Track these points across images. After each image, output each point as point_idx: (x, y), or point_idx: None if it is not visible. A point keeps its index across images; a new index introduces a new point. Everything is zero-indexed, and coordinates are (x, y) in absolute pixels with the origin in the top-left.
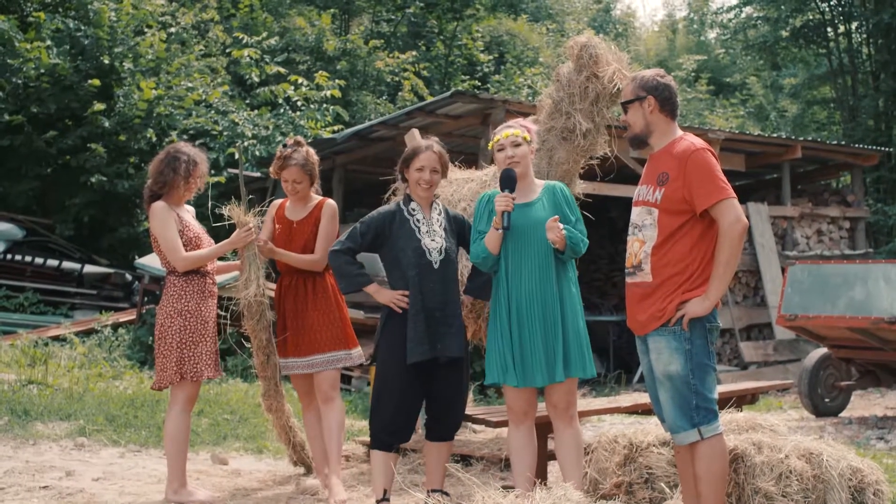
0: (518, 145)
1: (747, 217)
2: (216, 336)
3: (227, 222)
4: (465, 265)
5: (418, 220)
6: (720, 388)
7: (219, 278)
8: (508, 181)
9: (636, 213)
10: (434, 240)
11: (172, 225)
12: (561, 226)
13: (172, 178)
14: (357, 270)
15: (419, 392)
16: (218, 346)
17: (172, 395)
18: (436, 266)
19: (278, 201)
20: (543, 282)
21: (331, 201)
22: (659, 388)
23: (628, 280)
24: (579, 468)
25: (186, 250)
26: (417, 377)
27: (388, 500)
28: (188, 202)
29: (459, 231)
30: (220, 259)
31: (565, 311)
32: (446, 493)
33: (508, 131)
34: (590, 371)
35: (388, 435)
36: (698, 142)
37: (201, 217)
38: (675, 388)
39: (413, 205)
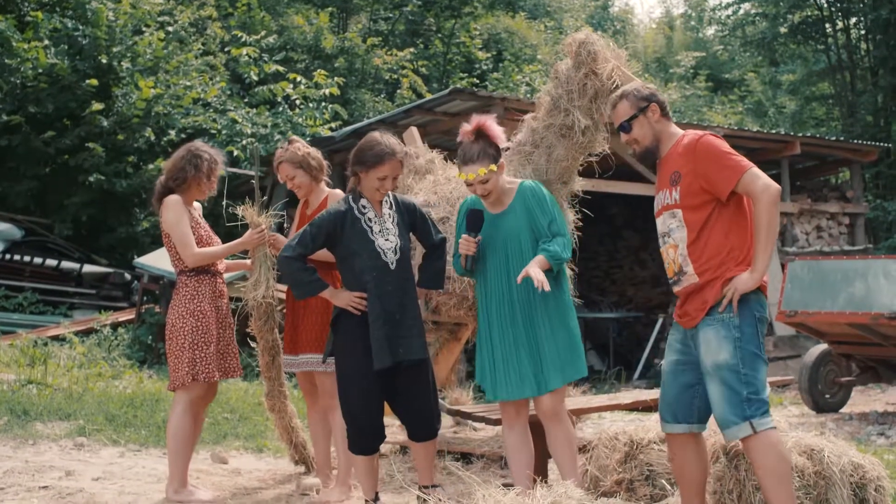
0: (485, 181)
1: None
2: (233, 335)
3: (229, 222)
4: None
5: (370, 219)
6: None
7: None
8: (475, 222)
9: (660, 222)
10: (388, 239)
11: (185, 220)
12: (533, 270)
13: (194, 176)
14: (310, 277)
15: (382, 391)
16: (236, 344)
17: (177, 395)
18: (392, 267)
19: None
20: (521, 294)
21: (336, 191)
22: (708, 382)
23: (675, 289)
24: (574, 464)
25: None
26: (380, 378)
27: (378, 499)
28: (198, 201)
29: (411, 222)
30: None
31: (541, 324)
32: (438, 486)
33: (473, 173)
34: (569, 376)
35: (368, 438)
36: (695, 131)
37: (212, 215)
38: (724, 379)
39: (363, 202)
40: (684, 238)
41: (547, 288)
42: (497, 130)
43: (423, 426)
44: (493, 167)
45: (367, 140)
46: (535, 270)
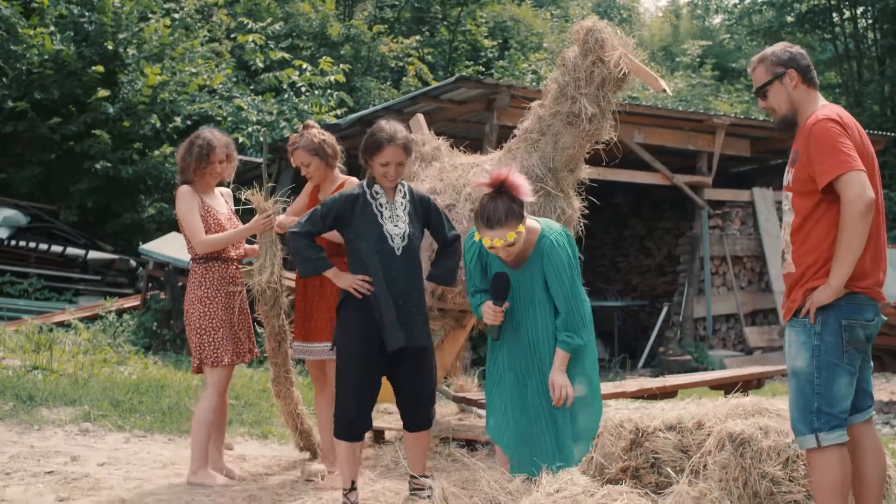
0: (512, 244)
1: (752, 202)
2: (249, 320)
3: (241, 206)
4: (430, 250)
5: (381, 205)
6: (724, 373)
7: None
8: (500, 290)
9: (783, 199)
10: (397, 225)
11: (195, 208)
12: (559, 380)
13: (189, 164)
14: (316, 255)
15: (379, 380)
16: (251, 330)
17: (206, 379)
18: (398, 252)
19: None
20: (533, 360)
21: (352, 179)
22: (788, 383)
23: (783, 271)
24: None
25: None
26: (378, 365)
27: (356, 489)
28: (223, 185)
29: (425, 215)
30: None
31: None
32: (429, 476)
33: (500, 239)
34: (569, 458)
35: (355, 425)
36: (825, 111)
37: None
38: (799, 386)
39: (376, 188)
40: (790, 223)
41: (569, 403)
42: (521, 182)
43: (418, 415)
44: (521, 228)
45: (373, 128)
46: (560, 380)
